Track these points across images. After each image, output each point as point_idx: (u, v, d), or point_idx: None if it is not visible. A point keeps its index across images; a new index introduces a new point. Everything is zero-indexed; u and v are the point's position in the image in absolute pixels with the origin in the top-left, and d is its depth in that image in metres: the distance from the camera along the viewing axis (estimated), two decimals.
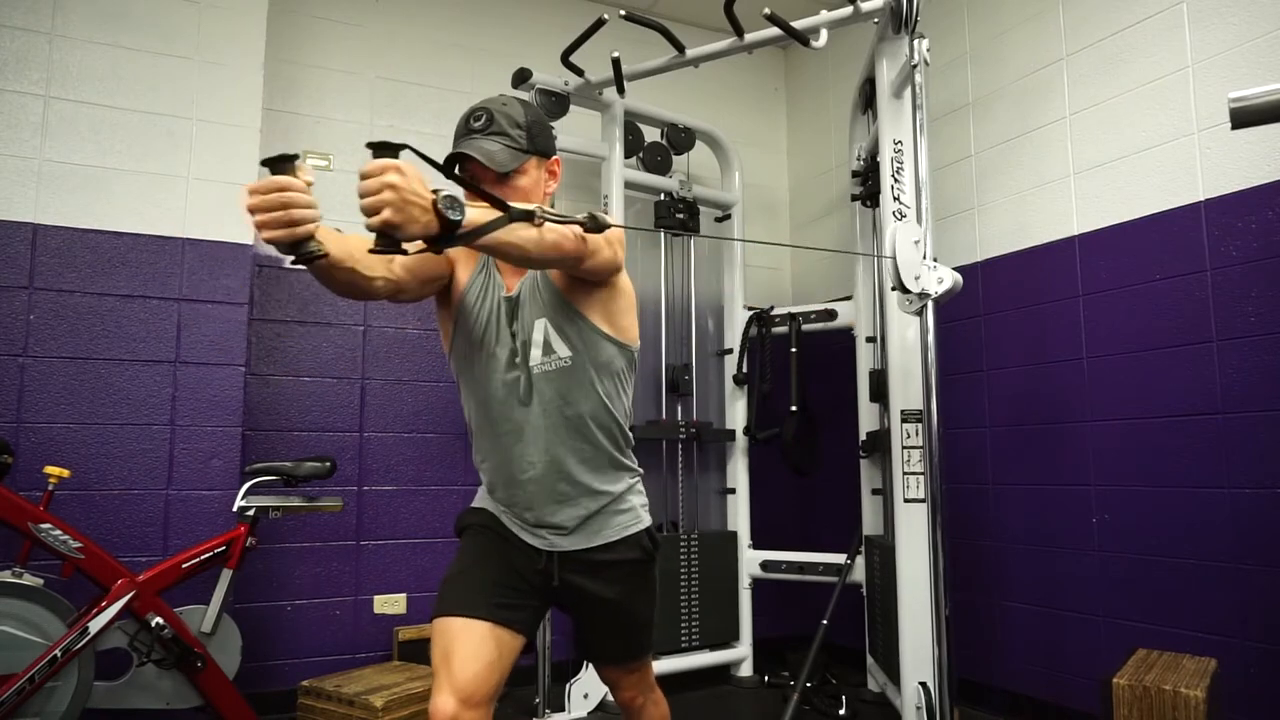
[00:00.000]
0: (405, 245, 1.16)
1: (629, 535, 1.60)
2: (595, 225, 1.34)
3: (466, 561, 1.58)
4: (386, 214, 1.10)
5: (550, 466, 1.54)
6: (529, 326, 1.53)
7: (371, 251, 1.15)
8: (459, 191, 1.23)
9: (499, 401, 1.55)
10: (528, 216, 1.24)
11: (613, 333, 1.56)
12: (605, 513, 1.58)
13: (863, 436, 3.37)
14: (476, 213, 1.21)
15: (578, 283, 1.53)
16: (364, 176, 1.12)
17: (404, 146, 1.14)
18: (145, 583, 2.48)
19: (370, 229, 1.13)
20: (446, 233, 1.16)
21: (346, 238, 1.38)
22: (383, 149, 1.12)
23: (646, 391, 3.61)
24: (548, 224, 1.29)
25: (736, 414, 3.66)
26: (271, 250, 3.22)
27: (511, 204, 1.25)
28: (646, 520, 1.65)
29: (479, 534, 1.61)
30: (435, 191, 1.15)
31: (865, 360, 3.38)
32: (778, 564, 3.53)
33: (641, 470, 1.69)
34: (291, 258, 1.17)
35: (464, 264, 1.61)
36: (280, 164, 1.14)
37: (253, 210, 1.12)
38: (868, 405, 3.36)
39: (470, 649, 1.43)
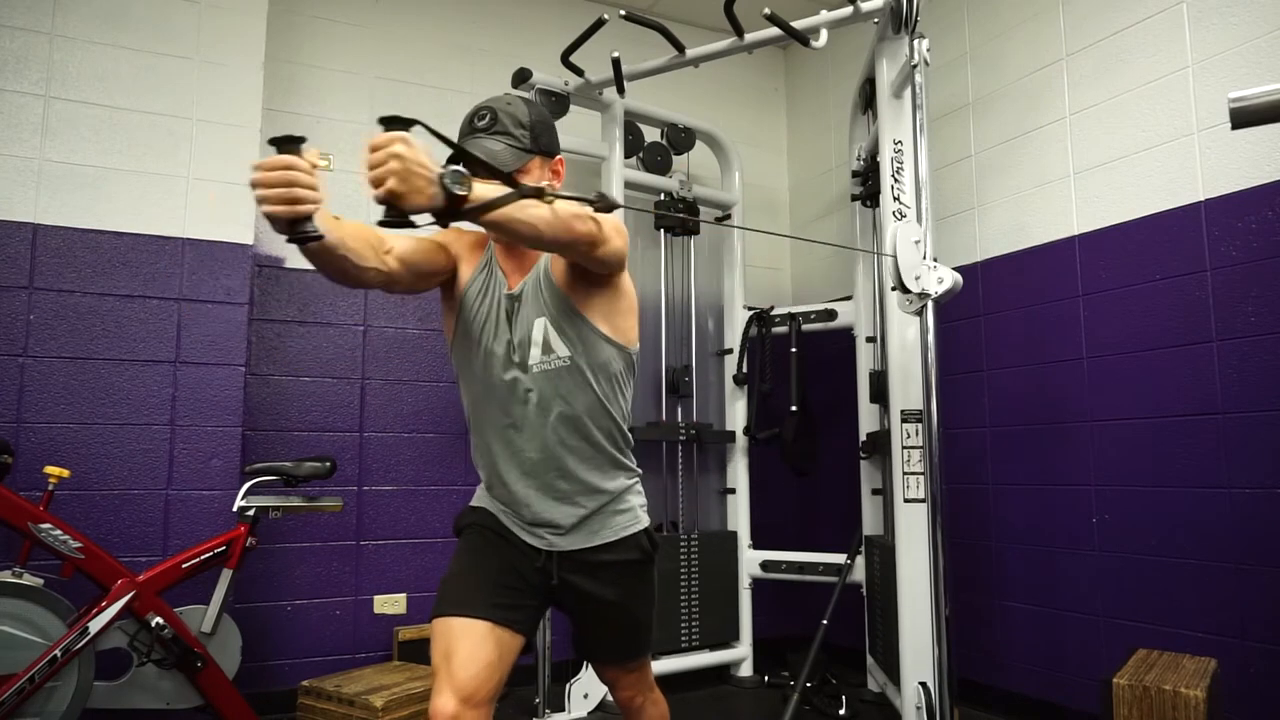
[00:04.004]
0: (415, 220, 1.16)
1: (628, 535, 1.60)
2: (605, 204, 1.31)
3: (465, 561, 1.58)
4: (391, 184, 1.11)
5: (548, 465, 1.54)
6: (529, 325, 1.53)
7: (380, 224, 1.16)
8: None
9: (497, 399, 1.55)
10: (537, 194, 1.23)
11: (612, 334, 1.56)
12: (604, 512, 1.58)
13: (863, 437, 3.37)
14: (484, 189, 1.21)
15: (581, 282, 1.52)
16: (372, 149, 1.13)
17: (415, 122, 1.15)
18: (145, 583, 2.48)
19: (376, 200, 1.14)
20: (452, 206, 1.17)
21: (343, 224, 1.38)
22: (393, 123, 1.14)
23: (646, 393, 3.60)
24: (560, 203, 1.28)
25: (736, 414, 3.66)
26: (271, 250, 3.24)
27: (521, 182, 1.25)
28: (645, 521, 1.65)
29: (477, 533, 1.61)
30: (442, 166, 1.16)
31: (865, 360, 3.37)
32: (778, 564, 3.53)
33: (640, 471, 1.69)
34: (287, 237, 1.17)
35: (467, 261, 1.62)
36: (287, 144, 1.15)
37: (257, 184, 1.12)
38: (868, 406, 3.35)
39: (470, 649, 1.43)
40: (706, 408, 3.78)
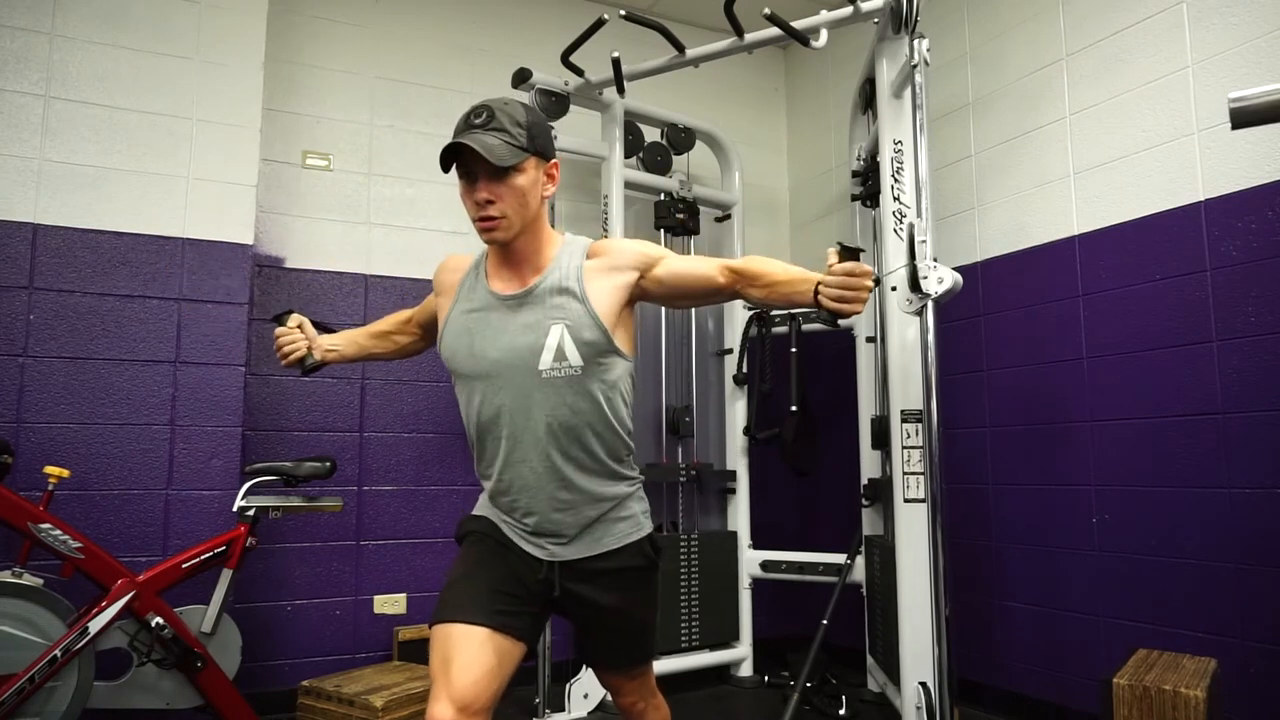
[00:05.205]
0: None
1: (630, 543, 1.60)
2: (877, 282, 1.54)
3: (467, 568, 1.57)
4: (859, 309, 1.39)
5: (551, 473, 1.53)
6: (540, 330, 1.52)
7: (826, 322, 1.47)
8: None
9: (499, 407, 1.54)
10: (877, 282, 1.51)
11: (624, 348, 1.57)
12: (606, 520, 1.58)
13: (864, 481, 3.33)
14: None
15: (631, 305, 1.58)
16: (853, 275, 1.36)
17: (861, 250, 1.42)
18: (145, 583, 2.48)
19: (839, 314, 1.41)
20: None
21: (359, 334, 1.86)
22: (850, 252, 1.39)
23: (646, 434, 3.56)
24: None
25: (736, 414, 3.66)
26: (271, 249, 3.25)
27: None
28: (648, 527, 1.64)
29: (479, 541, 1.60)
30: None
31: (865, 360, 3.37)
32: (778, 564, 3.53)
33: (643, 477, 1.69)
34: (300, 372, 1.80)
35: (446, 293, 1.66)
36: (280, 317, 1.79)
37: (275, 350, 1.77)
38: (869, 452, 3.30)
39: (469, 656, 1.42)
40: (707, 448, 3.71)
